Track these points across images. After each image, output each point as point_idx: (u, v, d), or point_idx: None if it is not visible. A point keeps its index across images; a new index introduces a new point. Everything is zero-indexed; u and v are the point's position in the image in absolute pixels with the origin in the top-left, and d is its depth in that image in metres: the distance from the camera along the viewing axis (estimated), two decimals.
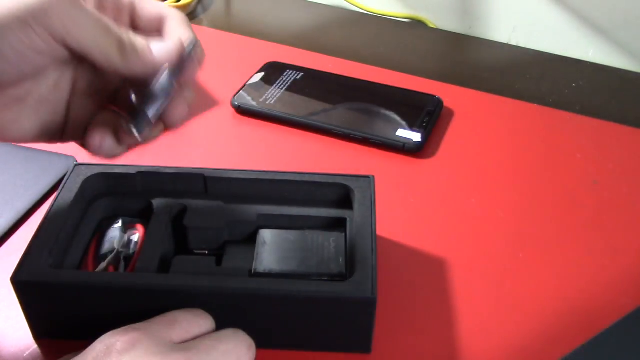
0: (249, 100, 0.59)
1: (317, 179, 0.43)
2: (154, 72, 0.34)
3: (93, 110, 0.36)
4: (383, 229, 0.46)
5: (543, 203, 0.50)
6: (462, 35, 0.76)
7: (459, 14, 0.77)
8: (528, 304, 0.42)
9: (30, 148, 0.52)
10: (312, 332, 0.38)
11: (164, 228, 0.41)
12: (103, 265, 0.40)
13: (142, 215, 0.43)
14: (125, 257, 0.40)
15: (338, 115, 0.58)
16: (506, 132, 0.58)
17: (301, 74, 0.63)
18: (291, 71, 0.64)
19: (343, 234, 0.42)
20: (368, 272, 0.37)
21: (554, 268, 0.45)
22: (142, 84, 0.34)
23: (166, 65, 0.34)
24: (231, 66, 0.66)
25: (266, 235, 0.41)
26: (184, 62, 0.35)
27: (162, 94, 0.34)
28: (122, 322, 0.33)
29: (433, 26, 0.78)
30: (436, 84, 0.64)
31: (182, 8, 0.74)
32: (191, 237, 0.42)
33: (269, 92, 0.60)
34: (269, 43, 0.70)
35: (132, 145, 0.36)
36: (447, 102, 0.60)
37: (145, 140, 0.36)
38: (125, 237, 0.42)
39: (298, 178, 0.43)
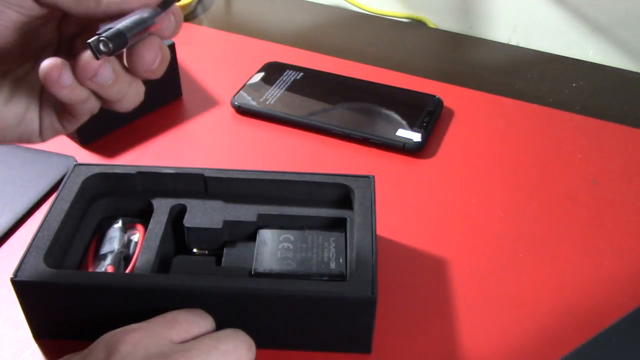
0: (249, 100, 0.59)
1: (317, 179, 0.43)
2: (128, 12, 0.31)
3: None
4: (383, 229, 0.46)
5: (543, 203, 0.50)
6: (462, 35, 0.75)
7: (459, 14, 0.77)
8: (528, 303, 0.42)
9: (30, 148, 0.52)
10: (312, 332, 0.38)
11: (163, 228, 0.41)
12: (103, 265, 0.40)
13: (142, 215, 0.43)
14: (125, 257, 0.40)
15: (338, 115, 0.58)
16: (506, 132, 0.58)
17: (301, 74, 0.63)
18: (291, 71, 0.64)
19: (343, 234, 0.42)
20: (368, 272, 0.37)
21: (554, 268, 0.45)
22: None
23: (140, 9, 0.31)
24: (231, 66, 0.66)
25: (266, 235, 0.41)
26: (157, 14, 0.32)
27: (131, 28, 0.31)
28: (122, 322, 0.33)
29: (433, 26, 0.78)
30: (436, 84, 0.64)
31: (182, 8, 0.74)
32: (191, 237, 0.42)
33: (269, 92, 0.60)
34: (269, 43, 0.70)
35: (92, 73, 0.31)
36: (447, 102, 0.60)
37: (107, 78, 0.31)
38: (125, 237, 0.42)
39: (298, 178, 0.43)
